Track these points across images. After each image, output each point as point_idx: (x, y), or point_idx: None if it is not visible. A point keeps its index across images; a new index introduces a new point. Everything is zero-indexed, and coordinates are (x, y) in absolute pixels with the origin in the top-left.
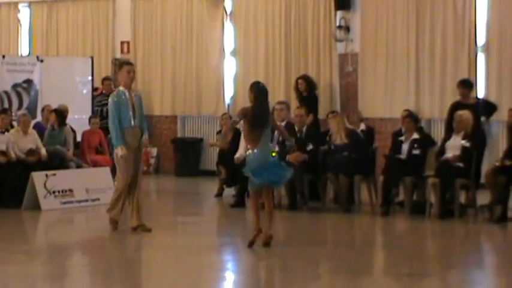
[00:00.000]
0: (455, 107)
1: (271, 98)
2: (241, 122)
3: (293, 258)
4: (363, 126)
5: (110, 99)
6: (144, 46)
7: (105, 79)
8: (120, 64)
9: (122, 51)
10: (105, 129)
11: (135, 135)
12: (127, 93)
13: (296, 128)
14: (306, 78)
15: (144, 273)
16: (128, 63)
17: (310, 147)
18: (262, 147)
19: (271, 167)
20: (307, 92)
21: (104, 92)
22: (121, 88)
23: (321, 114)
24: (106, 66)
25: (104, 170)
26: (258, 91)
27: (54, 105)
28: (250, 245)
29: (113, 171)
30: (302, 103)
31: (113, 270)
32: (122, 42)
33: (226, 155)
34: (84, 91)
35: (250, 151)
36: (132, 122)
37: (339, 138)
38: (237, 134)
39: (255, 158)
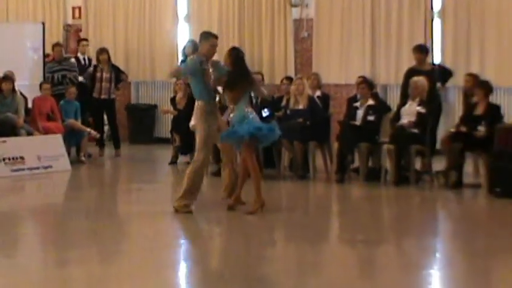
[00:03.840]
0: (411, 72)
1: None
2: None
3: (248, 224)
4: (318, 93)
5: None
6: (96, 11)
7: (55, 45)
8: (204, 34)
9: (73, 17)
10: (57, 96)
11: None
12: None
13: (252, 94)
14: None
15: (97, 240)
16: (214, 35)
17: (266, 113)
18: (240, 107)
19: (251, 122)
20: None
21: (54, 58)
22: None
23: (276, 79)
24: (57, 32)
25: (56, 137)
26: (236, 57)
27: (1, 72)
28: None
29: (65, 139)
30: None
31: (66, 238)
32: (74, 8)
33: (180, 122)
34: (35, 57)
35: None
36: None
37: (297, 103)
38: (190, 101)
39: (234, 117)
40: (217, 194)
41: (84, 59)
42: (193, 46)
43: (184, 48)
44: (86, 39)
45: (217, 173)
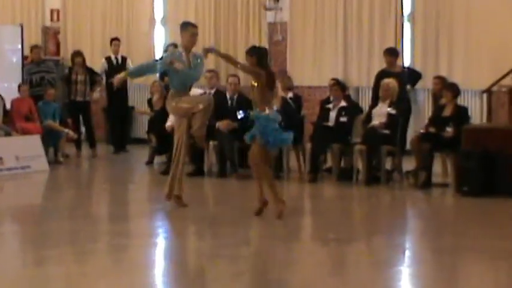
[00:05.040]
0: (382, 75)
1: None
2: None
3: (223, 223)
4: (290, 94)
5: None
6: (74, 14)
7: (34, 47)
8: (183, 24)
9: (51, 19)
10: (35, 97)
11: None
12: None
13: (228, 96)
14: None
15: (74, 240)
16: (192, 24)
17: (241, 115)
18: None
19: (278, 130)
20: None
21: (33, 60)
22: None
23: (248, 82)
24: (36, 34)
25: (34, 137)
26: (261, 55)
27: None
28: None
29: (43, 139)
30: None
31: (43, 237)
32: (52, 10)
33: (156, 123)
34: (14, 59)
35: (258, 111)
36: None
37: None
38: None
39: (269, 118)
40: (193, 193)
41: (116, 58)
42: None
43: (165, 51)
44: (118, 39)
45: (194, 174)
